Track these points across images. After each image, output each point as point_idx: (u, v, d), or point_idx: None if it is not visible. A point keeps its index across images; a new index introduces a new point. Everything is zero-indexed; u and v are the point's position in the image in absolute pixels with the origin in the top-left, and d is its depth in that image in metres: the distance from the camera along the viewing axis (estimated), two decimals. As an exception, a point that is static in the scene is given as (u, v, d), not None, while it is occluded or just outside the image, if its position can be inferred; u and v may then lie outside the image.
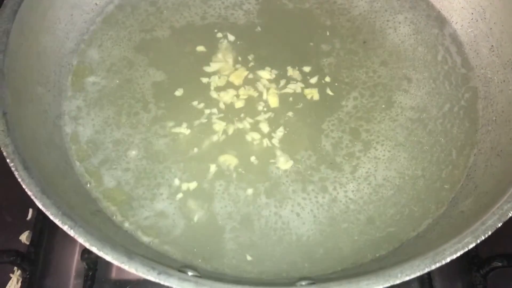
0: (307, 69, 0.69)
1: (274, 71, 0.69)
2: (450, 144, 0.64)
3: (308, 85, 0.68)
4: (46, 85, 0.64)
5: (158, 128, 0.64)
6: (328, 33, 0.72)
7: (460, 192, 0.60)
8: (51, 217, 0.46)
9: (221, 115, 0.65)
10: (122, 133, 0.64)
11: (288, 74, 0.69)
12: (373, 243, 0.57)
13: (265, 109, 0.66)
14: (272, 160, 0.62)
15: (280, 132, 0.64)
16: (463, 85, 0.68)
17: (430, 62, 0.70)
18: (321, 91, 0.67)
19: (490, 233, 0.47)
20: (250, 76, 0.68)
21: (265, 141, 0.63)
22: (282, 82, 0.68)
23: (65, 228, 0.46)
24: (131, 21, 0.72)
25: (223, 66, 0.69)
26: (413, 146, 0.63)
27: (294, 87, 0.67)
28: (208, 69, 0.69)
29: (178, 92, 0.66)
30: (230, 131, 0.64)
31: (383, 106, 0.66)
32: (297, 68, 0.69)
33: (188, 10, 0.73)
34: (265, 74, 0.68)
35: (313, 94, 0.67)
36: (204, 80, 0.68)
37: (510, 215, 0.48)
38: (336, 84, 0.68)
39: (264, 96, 0.67)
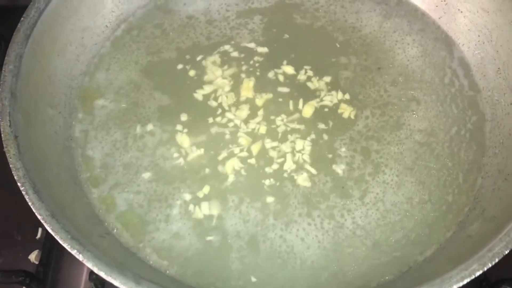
0: (327, 79, 0.70)
1: (309, 73, 0.71)
2: (457, 167, 0.64)
3: (342, 102, 0.68)
4: (57, 107, 0.65)
5: (165, 151, 0.65)
6: (340, 47, 0.73)
7: (467, 216, 0.60)
8: (60, 241, 0.47)
9: (231, 130, 0.66)
10: (131, 156, 0.64)
11: (313, 88, 0.70)
12: (379, 268, 0.57)
13: (285, 120, 0.67)
14: (293, 174, 0.63)
15: (307, 147, 0.65)
16: (470, 108, 0.68)
17: (438, 84, 0.70)
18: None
19: (497, 260, 0.47)
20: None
21: (286, 157, 0.64)
22: (322, 93, 0.69)
23: (74, 252, 0.46)
24: (138, 44, 0.73)
25: (227, 83, 0.70)
26: (421, 170, 0.63)
27: (331, 99, 0.68)
28: (209, 89, 0.69)
29: (183, 117, 0.67)
30: (246, 146, 0.65)
31: (393, 126, 0.67)
32: (318, 78, 0.70)
33: (194, 31, 0.74)
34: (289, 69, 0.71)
35: (344, 111, 0.68)
36: (213, 104, 0.68)
37: (517, 242, 0.47)
38: (354, 101, 0.69)
39: (290, 107, 0.68)
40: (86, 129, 0.66)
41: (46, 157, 0.58)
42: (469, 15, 0.72)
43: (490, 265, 0.46)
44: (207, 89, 0.69)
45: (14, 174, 0.50)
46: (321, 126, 0.66)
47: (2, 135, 0.53)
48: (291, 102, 0.68)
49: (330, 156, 0.64)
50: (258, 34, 0.74)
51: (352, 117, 0.67)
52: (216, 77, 0.70)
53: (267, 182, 0.62)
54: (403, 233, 0.59)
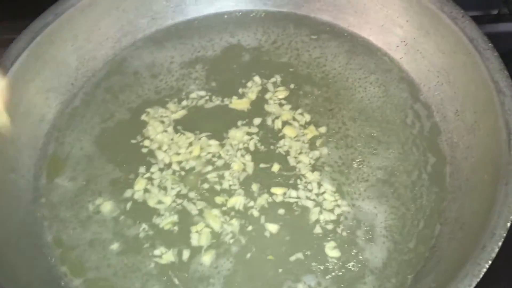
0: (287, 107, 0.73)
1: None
2: (419, 212, 0.63)
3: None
4: (20, 170, 0.66)
5: (127, 220, 0.64)
6: (306, 80, 0.75)
7: (424, 266, 0.59)
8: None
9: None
10: (92, 232, 0.63)
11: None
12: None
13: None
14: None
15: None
16: (430, 151, 0.67)
17: (399, 125, 0.70)
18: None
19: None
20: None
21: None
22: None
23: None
24: (91, 113, 0.73)
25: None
26: (385, 210, 0.63)
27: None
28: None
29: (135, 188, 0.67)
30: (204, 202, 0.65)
31: (357, 161, 0.67)
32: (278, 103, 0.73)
33: (141, 88, 0.76)
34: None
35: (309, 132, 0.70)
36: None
37: (460, 302, 0.47)
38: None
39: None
40: (51, 203, 0.66)
41: (4, 224, 0.59)
42: (427, 55, 0.72)
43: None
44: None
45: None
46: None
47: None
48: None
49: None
50: (203, 82, 0.76)
51: (318, 144, 0.68)
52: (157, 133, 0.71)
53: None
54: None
